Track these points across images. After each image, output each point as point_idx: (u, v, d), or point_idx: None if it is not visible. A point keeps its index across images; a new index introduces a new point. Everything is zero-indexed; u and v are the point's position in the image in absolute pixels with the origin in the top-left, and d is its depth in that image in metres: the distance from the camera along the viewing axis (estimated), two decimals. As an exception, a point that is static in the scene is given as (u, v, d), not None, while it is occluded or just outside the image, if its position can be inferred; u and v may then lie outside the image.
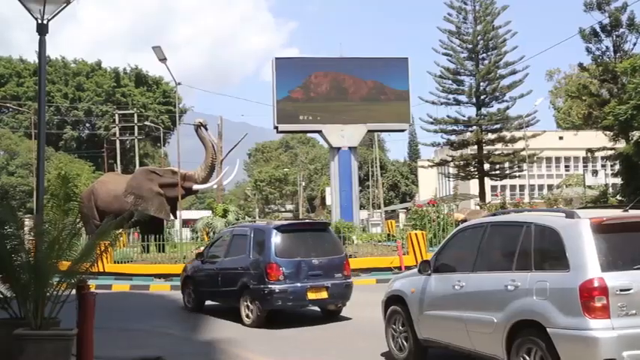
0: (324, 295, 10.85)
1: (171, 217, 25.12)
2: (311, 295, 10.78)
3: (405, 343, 7.50)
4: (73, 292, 6.76)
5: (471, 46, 43.05)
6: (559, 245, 5.56)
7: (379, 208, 63.46)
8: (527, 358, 5.61)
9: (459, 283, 6.65)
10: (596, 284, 5.15)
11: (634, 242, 5.28)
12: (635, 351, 5.04)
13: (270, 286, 10.54)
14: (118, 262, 19.24)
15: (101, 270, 14.42)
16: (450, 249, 7.32)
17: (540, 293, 5.57)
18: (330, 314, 11.52)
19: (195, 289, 12.77)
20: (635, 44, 39.57)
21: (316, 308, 11.72)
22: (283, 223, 12.29)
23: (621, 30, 39.37)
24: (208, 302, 12.71)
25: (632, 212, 5.80)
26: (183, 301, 13.19)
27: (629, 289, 5.14)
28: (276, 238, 10.92)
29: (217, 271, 11.95)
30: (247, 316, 10.88)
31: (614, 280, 5.18)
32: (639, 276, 5.22)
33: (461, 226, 7.94)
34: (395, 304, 7.70)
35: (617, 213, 5.98)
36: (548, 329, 5.38)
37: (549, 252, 5.77)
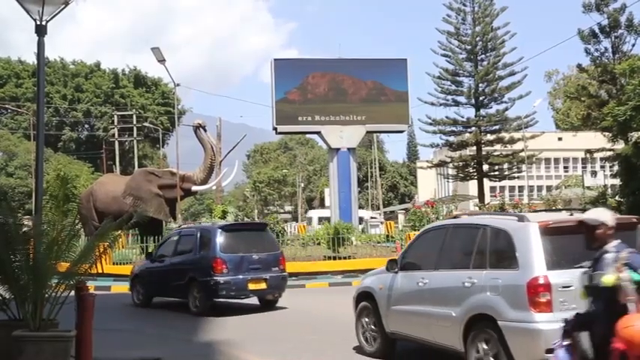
0: (263, 286, 12.41)
1: (170, 219, 25.10)
2: (251, 286, 12.29)
3: (374, 337, 7.96)
4: (72, 293, 6.75)
5: (469, 47, 43.06)
6: (510, 246, 6.11)
7: (378, 209, 63.48)
8: (481, 348, 6.07)
9: (422, 280, 7.14)
10: (541, 281, 5.69)
11: (576, 243, 5.48)
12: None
13: (215, 278, 11.99)
14: (117, 264, 19.24)
15: (100, 271, 14.36)
16: (415, 249, 7.85)
17: (494, 290, 6.09)
18: (267, 303, 12.96)
19: (144, 286, 13.93)
20: (633, 45, 39.59)
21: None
22: (227, 223, 14.74)
23: (620, 31, 39.42)
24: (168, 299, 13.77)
25: (576, 216, 6.14)
26: (132, 299, 14.16)
27: (570, 286, 5.52)
28: (221, 237, 12.44)
29: (167, 267, 13.23)
30: (195, 306, 12.30)
31: (558, 277, 5.67)
32: (579, 274, 5.34)
33: (425, 228, 8.48)
34: (365, 300, 8.15)
35: (562, 217, 6.54)
36: (499, 322, 5.87)
37: (502, 252, 6.28)
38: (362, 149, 67.83)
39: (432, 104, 43.69)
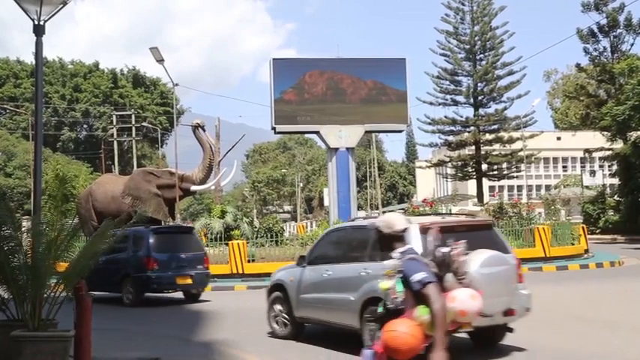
0: (189, 281, 14.14)
1: (169, 219, 25.08)
2: (179, 281, 14.06)
3: (284, 322, 9.29)
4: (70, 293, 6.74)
5: (468, 46, 43.10)
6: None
7: (377, 208, 63.47)
8: (372, 324, 6.97)
9: (327, 272, 8.65)
10: None
11: (447, 239, 5.96)
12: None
13: (147, 274, 13.78)
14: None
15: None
16: (320, 247, 9.42)
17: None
18: (192, 297, 14.59)
19: (86, 280, 14.80)
20: (632, 45, 39.72)
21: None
22: (158, 227, 17.22)
23: (619, 30, 39.49)
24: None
25: (447, 219, 8.76)
26: None
27: None
28: (152, 238, 14.25)
29: (103, 265, 13.71)
30: (127, 298, 13.93)
31: None
32: None
33: (328, 229, 10.28)
34: (276, 290, 9.51)
35: (437, 219, 8.38)
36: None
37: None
38: (361, 149, 67.82)
39: (431, 104, 43.77)
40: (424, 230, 6.99)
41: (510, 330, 8.05)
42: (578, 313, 10.90)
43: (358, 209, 39.40)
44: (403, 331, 4.28)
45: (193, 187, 24.33)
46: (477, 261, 6.87)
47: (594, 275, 17.77)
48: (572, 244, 22.47)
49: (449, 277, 4.64)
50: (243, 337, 9.67)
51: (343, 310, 8.17)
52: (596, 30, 39.78)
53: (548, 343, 8.43)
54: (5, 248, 6.60)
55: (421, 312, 4.27)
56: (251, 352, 8.56)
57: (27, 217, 36.79)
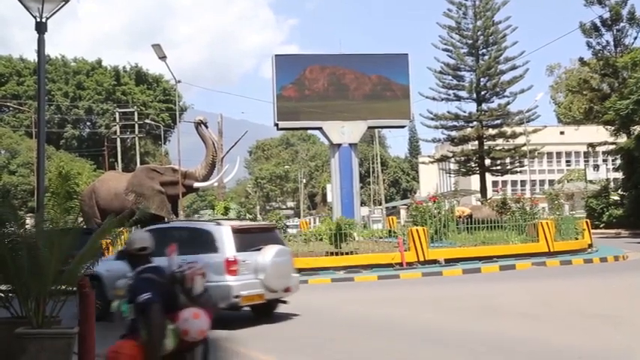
0: None
1: (172, 216, 25.11)
2: None
3: (97, 307, 9.99)
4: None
5: (471, 41, 42.97)
6: (214, 239, 10.27)
7: (380, 204, 63.45)
8: None
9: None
10: (232, 259, 10.01)
11: (249, 237, 10.55)
12: (247, 291, 10.05)
13: None
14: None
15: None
16: None
17: (205, 266, 8.93)
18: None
19: None
20: (635, 38, 39.52)
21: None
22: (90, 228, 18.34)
23: (622, 24, 39.28)
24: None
25: (246, 223, 12.19)
26: None
27: (245, 261, 10.12)
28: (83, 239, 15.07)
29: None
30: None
31: (241, 257, 10.09)
32: (250, 255, 10.18)
33: (154, 227, 11.17)
34: (93, 280, 10.05)
35: (243, 223, 11.72)
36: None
37: (209, 243, 10.24)
38: (363, 145, 67.81)
39: (434, 99, 43.67)
40: (236, 231, 10.30)
41: (285, 302, 10.87)
42: (582, 308, 10.88)
43: (361, 205, 39.42)
44: (126, 353, 4.43)
45: (196, 184, 24.34)
46: (272, 252, 10.27)
47: (598, 270, 17.74)
48: (576, 239, 22.44)
49: (182, 296, 4.74)
50: (248, 334, 9.69)
51: None
52: (599, 24, 39.59)
53: (550, 337, 8.43)
54: (9, 246, 6.61)
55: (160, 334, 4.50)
56: (255, 349, 8.56)
57: (30, 214, 36.91)
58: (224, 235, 10.23)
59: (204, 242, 10.19)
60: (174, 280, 4.95)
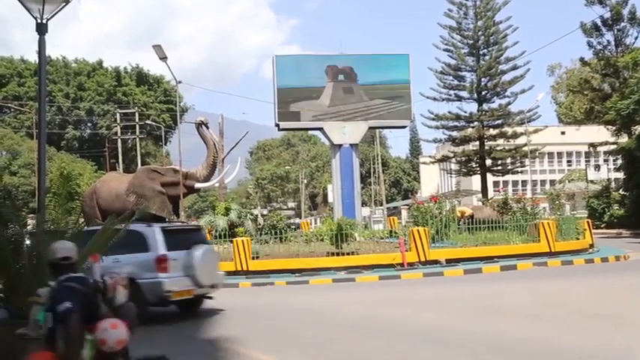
0: None
1: (174, 216, 25.10)
2: None
3: None
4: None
5: (471, 41, 42.97)
6: (145, 240, 11.10)
7: (381, 204, 63.43)
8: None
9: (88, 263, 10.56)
10: (163, 257, 10.91)
11: (178, 237, 11.52)
12: (177, 286, 10.86)
13: None
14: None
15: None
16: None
17: (136, 264, 10.60)
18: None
19: None
20: (636, 38, 39.48)
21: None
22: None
23: (623, 24, 39.25)
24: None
25: (173, 224, 13.70)
26: None
27: (176, 259, 11.01)
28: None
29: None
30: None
31: (171, 255, 10.97)
32: (179, 253, 11.05)
33: (95, 227, 11.37)
34: None
35: (172, 224, 13.20)
36: (137, 280, 10.29)
37: (141, 243, 11.01)
38: (364, 145, 67.83)
39: (435, 99, 43.67)
40: (165, 232, 11.26)
41: (211, 298, 11.79)
42: (583, 308, 10.88)
43: (362, 205, 39.40)
44: None
45: (197, 185, 24.32)
46: (200, 251, 11.21)
47: (599, 270, 17.72)
48: (577, 239, 22.43)
49: (103, 306, 4.71)
50: (249, 334, 9.69)
51: None
52: (599, 23, 39.56)
53: (551, 337, 8.42)
54: (10, 246, 6.63)
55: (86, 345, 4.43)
56: (255, 349, 8.57)
57: (32, 215, 36.93)
58: (155, 235, 11.13)
59: (136, 243, 10.83)
60: (97, 289, 4.92)
